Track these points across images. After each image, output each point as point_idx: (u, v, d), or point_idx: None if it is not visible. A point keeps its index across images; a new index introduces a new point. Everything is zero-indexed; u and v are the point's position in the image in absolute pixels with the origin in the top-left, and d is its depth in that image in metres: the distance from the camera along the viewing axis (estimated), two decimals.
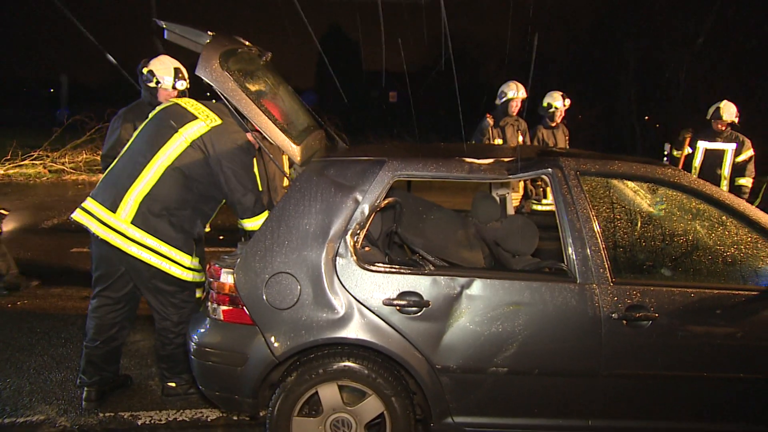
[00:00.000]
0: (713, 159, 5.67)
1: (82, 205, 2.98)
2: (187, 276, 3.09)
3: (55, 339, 4.20)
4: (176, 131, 2.93)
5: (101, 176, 3.50)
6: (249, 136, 3.05)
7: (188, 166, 2.95)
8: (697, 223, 2.75)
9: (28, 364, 3.80)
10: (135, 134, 3.15)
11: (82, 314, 4.69)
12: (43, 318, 4.59)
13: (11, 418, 3.17)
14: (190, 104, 3.05)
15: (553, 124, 5.90)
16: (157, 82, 3.85)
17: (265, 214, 2.97)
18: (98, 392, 3.27)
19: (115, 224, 2.89)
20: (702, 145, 5.72)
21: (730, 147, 5.57)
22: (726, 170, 5.60)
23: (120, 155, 3.14)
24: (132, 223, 2.89)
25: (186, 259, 3.06)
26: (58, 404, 3.32)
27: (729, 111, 5.59)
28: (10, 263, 5.19)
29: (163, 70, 3.83)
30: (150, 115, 3.13)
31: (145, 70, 3.85)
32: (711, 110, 5.73)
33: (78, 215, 2.97)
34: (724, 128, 5.61)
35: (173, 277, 3.06)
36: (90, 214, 2.93)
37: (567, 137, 6.12)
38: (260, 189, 4.45)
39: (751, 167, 5.55)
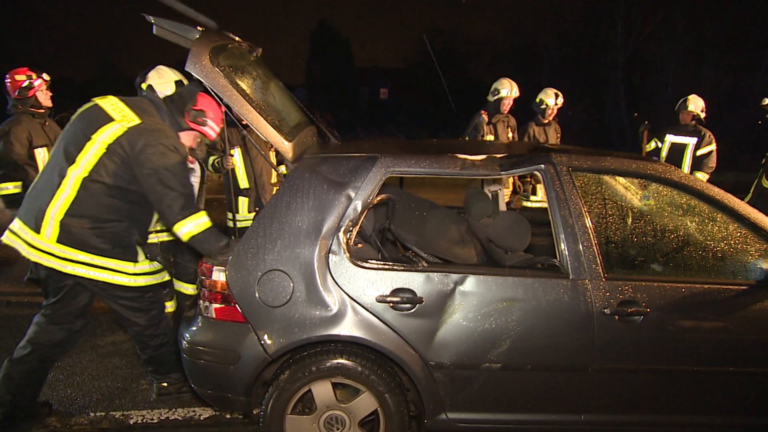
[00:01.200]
0: (677, 152, 5.73)
1: (10, 226, 2.78)
2: (137, 281, 2.95)
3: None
4: (89, 139, 2.72)
5: None
6: (183, 135, 2.96)
7: (110, 174, 2.74)
8: (687, 219, 2.76)
9: None
10: (56, 142, 2.90)
11: None
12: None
13: None
14: (109, 103, 2.83)
15: (545, 121, 5.90)
16: None
17: (199, 216, 2.77)
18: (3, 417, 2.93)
19: (42, 246, 2.71)
20: (669, 138, 5.79)
21: (691, 141, 5.63)
22: (686, 164, 5.65)
23: (43, 167, 2.92)
24: (58, 242, 2.71)
25: (128, 266, 2.90)
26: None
27: (695, 103, 5.66)
28: None
29: (164, 85, 3.38)
30: (71, 118, 2.89)
31: (143, 86, 3.43)
32: (679, 102, 5.81)
33: (7, 238, 2.78)
34: (689, 119, 5.66)
35: (125, 285, 2.92)
36: (18, 236, 2.74)
37: (559, 135, 6.12)
38: (248, 186, 4.41)
39: (709, 161, 5.59)
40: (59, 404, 3.28)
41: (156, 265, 3.11)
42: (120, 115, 2.78)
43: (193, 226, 2.73)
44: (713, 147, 5.60)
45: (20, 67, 4.38)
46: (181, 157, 2.87)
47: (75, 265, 2.75)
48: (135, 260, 2.94)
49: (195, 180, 3.70)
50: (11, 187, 4.22)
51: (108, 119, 2.76)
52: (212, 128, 3.06)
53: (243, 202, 4.39)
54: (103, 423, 3.12)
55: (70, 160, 2.72)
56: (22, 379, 2.91)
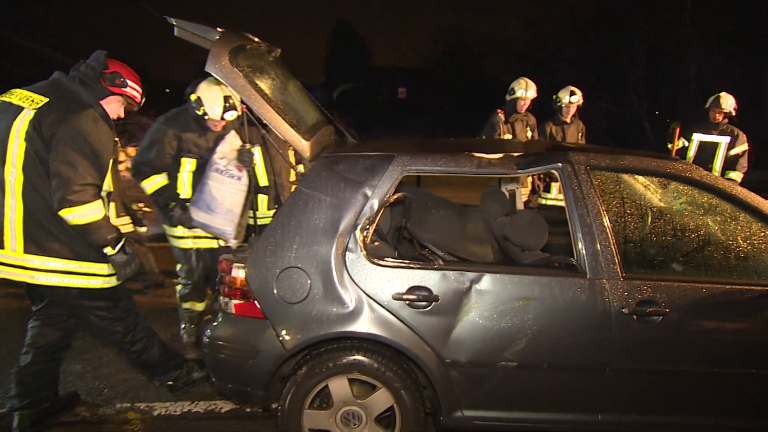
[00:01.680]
0: (707, 151, 5.53)
1: None
2: (111, 281, 2.85)
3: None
4: (8, 136, 2.58)
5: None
6: (106, 104, 2.84)
7: (44, 165, 2.60)
8: (709, 218, 2.70)
9: None
10: None
11: None
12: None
13: None
14: (16, 96, 2.66)
15: (566, 119, 5.82)
16: (204, 114, 3.51)
17: (95, 205, 2.64)
18: (33, 418, 2.89)
19: (10, 260, 2.62)
20: (697, 137, 5.58)
21: (724, 140, 5.44)
22: (718, 163, 5.48)
23: None
24: (26, 252, 2.62)
25: (103, 268, 2.80)
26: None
27: (727, 101, 5.46)
28: (152, 262, 5.22)
29: (211, 99, 3.45)
30: None
31: (193, 97, 3.51)
32: (710, 100, 5.60)
33: None
34: (721, 118, 5.48)
35: (98, 291, 2.82)
36: None
37: (582, 134, 6.01)
38: (261, 183, 4.38)
39: (743, 161, 5.44)
40: (87, 395, 3.34)
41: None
42: (27, 101, 2.63)
43: (87, 213, 2.61)
44: (746, 147, 5.43)
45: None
46: (100, 133, 2.71)
47: (47, 274, 2.65)
48: (106, 260, 2.81)
49: (242, 188, 3.65)
50: None
51: (17, 108, 2.62)
52: (134, 88, 2.94)
53: (262, 199, 4.42)
54: (128, 414, 3.16)
55: (2, 164, 2.59)
56: (34, 382, 2.89)
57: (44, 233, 2.64)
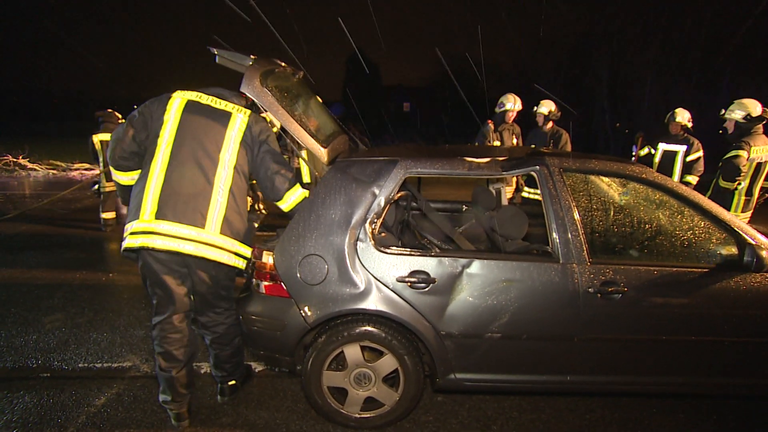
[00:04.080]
0: (668, 158, 5.53)
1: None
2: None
3: (137, 304, 4.25)
4: (222, 135, 2.46)
5: None
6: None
7: (245, 164, 2.50)
8: (659, 212, 2.65)
9: (118, 322, 3.87)
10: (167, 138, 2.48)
11: None
12: (127, 287, 4.67)
13: (108, 363, 3.26)
14: (205, 98, 2.48)
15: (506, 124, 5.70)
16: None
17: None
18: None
19: (207, 239, 2.37)
20: (661, 146, 5.62)
21: (681, 148, 5.44)
22: (677, 168, 5.45)
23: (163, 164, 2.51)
24: (221, 233, 2.38)
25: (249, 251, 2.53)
26: (141, 355, 3.37)
27: (682, 115, 5.52)
28: None
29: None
30: (170, 114, 2.46)
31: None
32: (668, 115, 5.61)
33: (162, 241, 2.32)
34: (678, 129, 5.46)
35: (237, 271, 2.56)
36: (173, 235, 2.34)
37: (518, 138, 5.89)
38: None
39: (698, 166, 5.38)
40: (150, 355, 3.34)
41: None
42: (231, 107, 2.45)
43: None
44: (701, 153, 5.39)
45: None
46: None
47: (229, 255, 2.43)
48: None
49: None
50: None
51: (225, 114, 2.42)
52: None
53: (306, 193, 4.54)
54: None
55: (213, 159, 2.37)
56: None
57: (237, 221, 2.43)
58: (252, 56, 2.43)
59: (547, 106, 5.76)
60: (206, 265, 2.40)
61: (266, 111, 2.45)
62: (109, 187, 6.67)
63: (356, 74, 40.04)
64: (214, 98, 2.46)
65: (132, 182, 2.46)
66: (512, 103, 5.59)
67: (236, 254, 2.42)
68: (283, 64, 2.67)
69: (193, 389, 2.62)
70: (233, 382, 2.82)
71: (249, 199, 4.83)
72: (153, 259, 2.34)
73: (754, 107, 4.23)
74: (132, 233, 2.30)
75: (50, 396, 2.84)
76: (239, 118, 2.43)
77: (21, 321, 3.88)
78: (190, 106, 2.40)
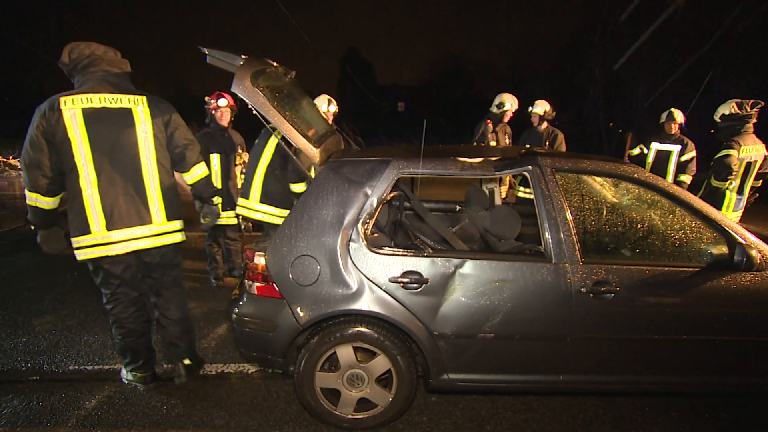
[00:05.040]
0: (662, 158, 5.54)
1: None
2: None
3: None
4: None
5: None
6: None
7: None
8: (651, 212, 2.66)
9: (109, 324, 3.81)
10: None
11: None
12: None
13: (99, 366, 3.23)
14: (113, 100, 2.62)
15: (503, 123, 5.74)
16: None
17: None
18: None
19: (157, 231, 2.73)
20: (654, 146, 5.62)
21: (676, 148, 5.45)
22: (671, 168, 5.47)
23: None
24: (169, 220, 2.75)
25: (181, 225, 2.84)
26: None
27: (679, 115, 5.51)
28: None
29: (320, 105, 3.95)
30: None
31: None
32: (664, 115, 5.64)
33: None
34: (676, 129, 5.48)
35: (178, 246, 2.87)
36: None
37: (509, 136, 5.93)
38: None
39: (692, 166, 5.41)
40: None
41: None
42: (126, 101, 2.59)
43: None
44: (694, 153, 5.42)
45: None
46: None
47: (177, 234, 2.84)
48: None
49: None
50: None
51: (126, 112, 2.58)
52: None
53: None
54: (173, 374, 3.13)
55: (135, 162, 2.62)
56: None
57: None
58: (243, 56, 2.42)
59: (542, 106, 5.76)
60: (158, 250, 2.77)
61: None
62: None
63: (350, 74, 39.97)
64: (106, 96, 2.53)
65: (56, 206, 2.66)
66: (511, 103, 5.61)
67: (180, 230, 2.81)
68: (274, 63, 2.65)
69: (154, 355, 3.00)
70: (188, 362, 3.01)
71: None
72: (109, 261, 2.67)
73: (726, 107, 4.28)
74: (87, 246, 2.59)
75: (39, 399, 2.82)
76: (140, 111, 2.59)
77: (10, 323, 3.84)
78: (89, 116, 2.49)
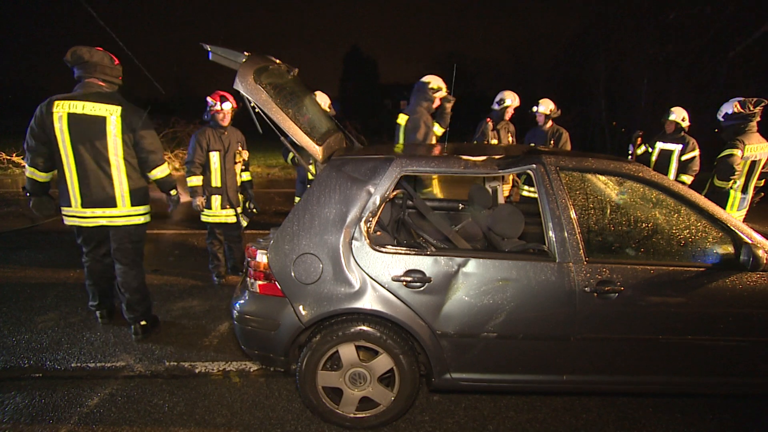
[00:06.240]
0: (664, 157, 5.52)
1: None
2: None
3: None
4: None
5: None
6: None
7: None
8: (656, 211, 2.63)
9: (111, 322, 3.84)
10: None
11: (152, 284, 4.73)
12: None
13: (101, 363, 3.23)
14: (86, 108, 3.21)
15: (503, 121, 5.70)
16: None
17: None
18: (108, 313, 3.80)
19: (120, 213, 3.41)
20: (658, 145, 5.60)
21: (677, 147, 5.41)
22: (673, 167, 5.44)
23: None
24: (132, 205, 3.43)
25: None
26: (134, 354, 3.34)
27: (677, 114, 5.48)
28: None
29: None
30: None
31: None
32: (665, 114, 5.59)
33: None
34: (672, 128, 5.46)
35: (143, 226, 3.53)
36: None
37: (512, 134, 5.89)
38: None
39: (693, 165, 5.36)
40: (143, 354, 3.33)
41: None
42: (103, 110, 3.21)
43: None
44: (696, 152, 5.37)
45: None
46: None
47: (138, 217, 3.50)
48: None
49: None
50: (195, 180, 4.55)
51: (100, 119, 3.22)
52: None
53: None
54: (175, 371, 3.14)
55: (106, 158, 3.27)
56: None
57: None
58: (246, 53, 2.40)
59: (546, 105, 5.74)
60: (121, 228, 3.42)
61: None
62: None
63: (353, 72, 39.91)
64: (87, 104, 3.16)
65: (48, 179, 3.36)
66: (512, 100, 5.57)
67: (141, 214, 3.45)
68: (277, 60, 2.64)
69: (109, 302, 3.81)
70: (144, 322, 3.60)
71: (240, 196, 4.84)
72: (85, 227, 3.42)
73: (730, 106, 4.25)
74: (69, 215, 3.35)
75: (42, 396, 2.82)
76: (113, 120, 3.21)
77: (13, 320, 3.84)
78: (72, 119, 3.15)
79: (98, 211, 3.32)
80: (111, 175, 3.27)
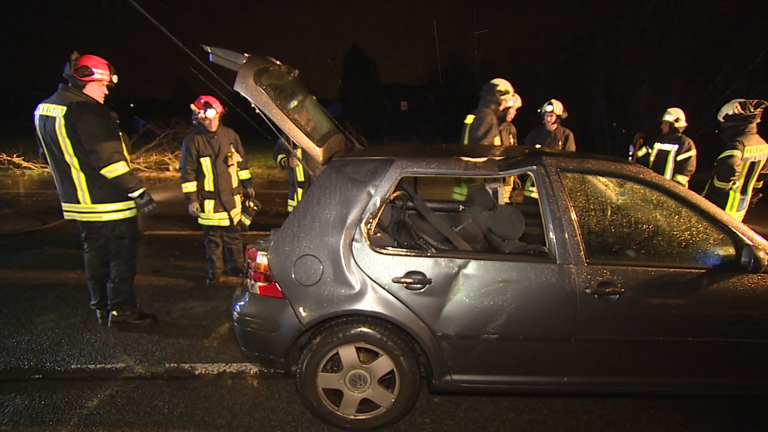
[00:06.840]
0: (661, 157, 5.54)
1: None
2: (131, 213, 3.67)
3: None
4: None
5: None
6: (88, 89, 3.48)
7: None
8: (657, 212, 2.63)
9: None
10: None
11: (153, 284, 4.72)
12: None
13: (101, 365, 3.22)
14: (44, 109, 3.40)
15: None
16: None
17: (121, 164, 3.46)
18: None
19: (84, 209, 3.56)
20: (657, 146, 5.63)
21: (673, 148, 5.44)
22: (669, 167, 5.45)
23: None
24: (93, 202, 3.54)
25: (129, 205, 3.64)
26: (134, 356, 3.34)
27: (673, 114, 5.50)
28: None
29: None
30: None
31: None
32: (663, 114, 5.61)
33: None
34: (667, 129, 5.47)
35: (125, 221, 3.64)
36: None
37: (513, 135, 5.88)
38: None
39: (689, 165, 5.36)
40: (143, 356, 3.32)
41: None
42: (55, 110, 3.35)
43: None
44: (692, 153, 5.38)
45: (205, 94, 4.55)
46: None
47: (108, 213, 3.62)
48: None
49: None
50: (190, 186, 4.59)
51: (52, 119, 3.37)
52: (100, 73, 3.45)
53: (300, 192, 4.62)
54: (175, 373, 3.13)
55: (62, 157, 3.41)
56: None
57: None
58: (246, 54, 2.40)
59: (558, 105, 5.72)
60: (94, 223, 3.57)
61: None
62: None
63: (354, 73, 39.93)
64: (48, 105, 3.34)
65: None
66: (514, 100, 5.54)
67: (108, 212, 3.53)
68: (277, 62, 2.64)
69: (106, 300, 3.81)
70: (115, 312, 3.75)
71: (240, 196, 4.85)
72: (78, 222, 3.62)
73: (730, 107, 4.25)
74: (62, 210, 3.59)
75: (42, 398, 2.81)
76: (58, 120, 3.31)
77: (13, 321, 3.84)
78: (41, 120, 3.37)
79: (70, 206, 3.51)
80: (70, 173, 3.42)
